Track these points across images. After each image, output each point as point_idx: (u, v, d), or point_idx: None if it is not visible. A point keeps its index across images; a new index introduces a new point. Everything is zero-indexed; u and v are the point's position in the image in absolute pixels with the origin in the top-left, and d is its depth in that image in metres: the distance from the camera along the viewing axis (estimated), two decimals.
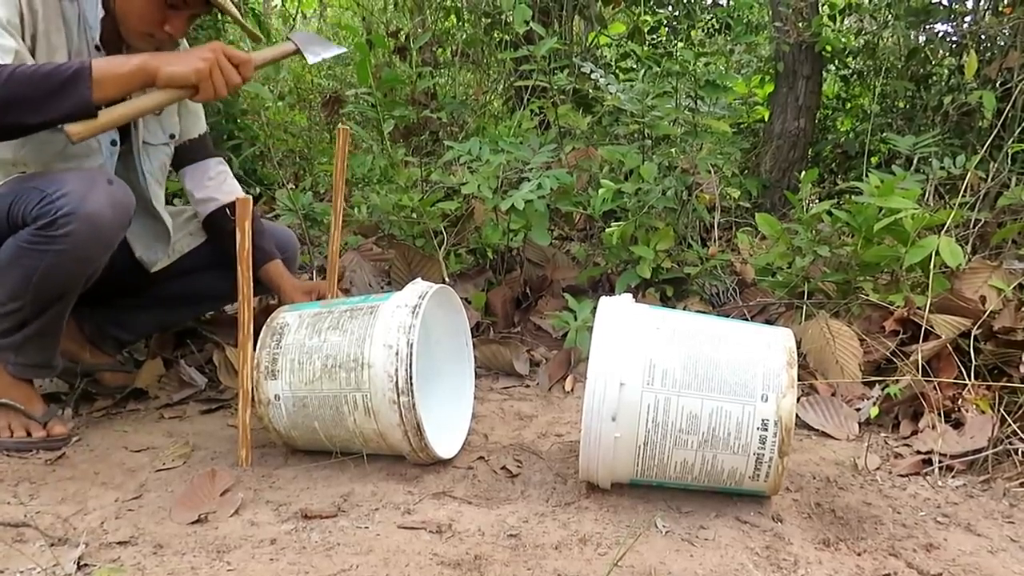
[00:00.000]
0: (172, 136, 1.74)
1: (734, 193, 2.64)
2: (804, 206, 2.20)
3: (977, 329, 1.74)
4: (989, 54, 2.93)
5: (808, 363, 1.89)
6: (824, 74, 3.45)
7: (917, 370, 1.70)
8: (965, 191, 2.13)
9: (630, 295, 1.44)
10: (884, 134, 2.95)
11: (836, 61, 3.53)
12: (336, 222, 1.75)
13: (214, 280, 1.86)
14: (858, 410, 1.74)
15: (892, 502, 1.39)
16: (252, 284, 1.46)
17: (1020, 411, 1.55)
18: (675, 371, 1.27)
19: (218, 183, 1.83)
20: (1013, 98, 2.49)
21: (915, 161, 2.28)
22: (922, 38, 3.22)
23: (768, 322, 2.12)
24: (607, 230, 2.16)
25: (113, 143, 1.63)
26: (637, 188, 2.13)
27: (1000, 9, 3.02)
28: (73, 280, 1.47)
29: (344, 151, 1.70)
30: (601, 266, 2.33)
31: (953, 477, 1.48)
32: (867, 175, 2.10)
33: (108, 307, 1.86)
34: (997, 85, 2.71)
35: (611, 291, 2.24)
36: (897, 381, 1.71)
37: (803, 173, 2.53)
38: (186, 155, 1.81)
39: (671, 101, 2.22)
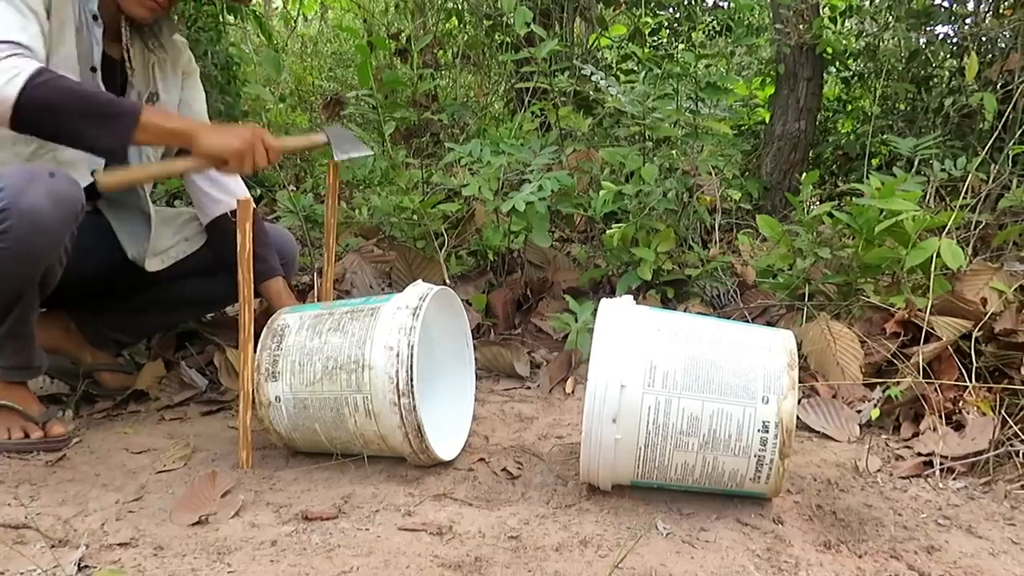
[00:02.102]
0: None
1: (735, 195, 2.64)
2: (805, 208, 2.20)
3: (978, 331, 1.74)
4: (990, 56, 2.94)
5: (809, 365, 1.89)
6: (825, 76, 3.45)
7: (918, 372, 1.69)
8: (966, 193, 2.13)
9: (631, 297, 1.44)
10: (885, 136, 2.95)
11: (837, 63, 3.53)
12: (329, 257, 1.74)
13: (213, 284, 1.86)
14: (859, 412, 1.74)
15: (893, 504, 1.39)
16: (253, 286, 1.47)
17: (1021, 413, 1.54)
18: (676, 373, 1.27)
19: (224, 185, 1.81)
20: (1014, 100, 2.49)
21: (916, 163, 2.28)
22: (923, 40, 3.22)
23: (769, 324, 2.12)
24: (608, 232, 2.16)
25: None
26: (638, 190, 2.13)
27: (1001, 11, 3.02)
28: (23, 279, 1.44)
29: (336, 186, 1.70)
30: (602, 268, 2.33)
31: (954, 479, 1.48)
32: (868, 177, 2.11)
33: (108, 310, 1.86)
34: (998, 87, 2.71)
35: (612, 293, 2.24)
36: (898, 383, 1.71)
37: (804, 175, 2.53)
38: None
39: (672, 103, 2.22)
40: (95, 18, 1.55)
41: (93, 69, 1.58)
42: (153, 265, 1.78)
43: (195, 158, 1.47)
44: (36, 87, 1.31)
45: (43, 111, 1.34)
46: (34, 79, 1.31)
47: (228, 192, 1.80)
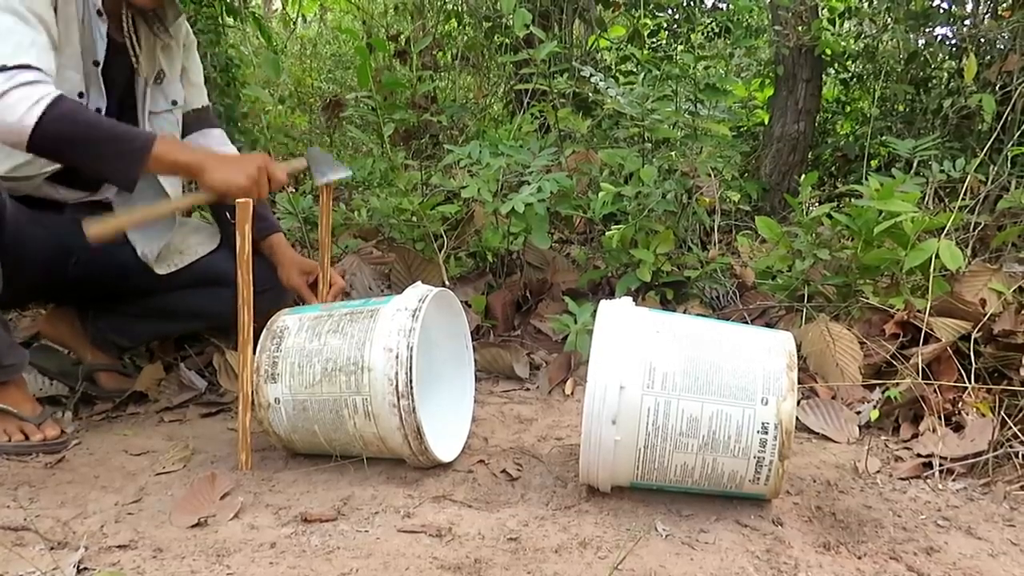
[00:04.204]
0: (175, 102, 1.75)
1: (734, 196, 2.64)
2: (804, 209, 2.20)
3: (977, 332, 1.74)
4: (988, 57, 2.93)
5: (808, 366, 1.89)
6: (824, 77, 3.44)
7: (917, 373, 1.70)
8: (965, 194, 2.13)
9: (630, 298, 1.44)
10: (884, 137, 2.94)
11: (836, 65, 3.53)
12: (324, 277, 1.75)
13: (220, 297, 1.84)
14: (858, 413, 1.74)
15: (892, 505, 1.39)
16: (252, 288, 1.46)
17: (1020, 414, 1.55)
18: (675, 374, 1.27)
19: (217, 146, 1.85)
20: (1012, 101, 2.49)
21: (915, 164, 2.28)
22: (921, 42, 3.22)
23: (768, 325, 2.12)
24: (607, 233, 2.16)
25: (97, 111, 1.62)
26: (637, 191, 2.13)
27: (999, 12, 3.02)
28: None
29: (328, 206, 1.70)
30: (601, 269, 2.33)
31: (953, 480, 1.48)
32: (867, 178, 2.10)
33: (111, 312, 1.86)
34: (996, 88, 2.71)
35: (611, 294, 2.24)
36: (897, 384, 1.71)
37: (803, 176, 2.53)
38: (188, 125, 1.82)
39: (671, 104, 2.22)
40: (99, 13, 1.56)
41: (96, 63, 1.58)
42: (162, 268, 1.78)
43: (192, 195, 1.56)
44: (53, 120, 1.36)
45: (57, 142, 1.39)
46: (51, 110, 1.36)
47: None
